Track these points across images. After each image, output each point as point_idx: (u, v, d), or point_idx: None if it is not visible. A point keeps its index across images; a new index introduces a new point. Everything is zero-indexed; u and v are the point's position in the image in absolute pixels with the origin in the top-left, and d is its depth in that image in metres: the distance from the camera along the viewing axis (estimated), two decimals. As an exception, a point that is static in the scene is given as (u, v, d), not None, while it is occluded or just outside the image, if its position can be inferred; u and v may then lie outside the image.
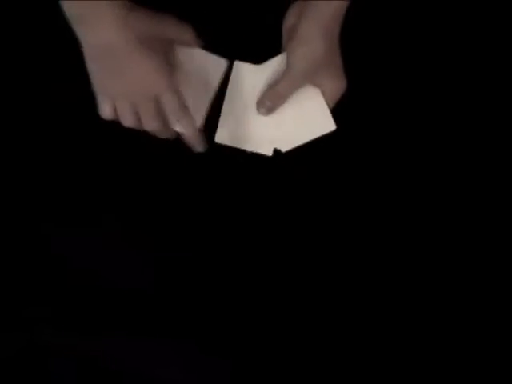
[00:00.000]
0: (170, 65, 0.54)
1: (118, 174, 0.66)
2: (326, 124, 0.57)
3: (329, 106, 0.57)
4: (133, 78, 0.52)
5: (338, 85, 0.56)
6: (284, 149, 0.59)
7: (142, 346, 0.65)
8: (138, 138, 0.58)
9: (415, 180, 0.66)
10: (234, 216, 0.66)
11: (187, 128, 0.56)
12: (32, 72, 0.67)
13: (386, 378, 0.65)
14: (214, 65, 0.58)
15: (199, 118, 0.58)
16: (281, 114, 0.58)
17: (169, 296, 0.66)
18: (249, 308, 0.66)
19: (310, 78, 0.55)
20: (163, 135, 0.57)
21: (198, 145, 0.57)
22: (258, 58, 0.58)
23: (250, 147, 0.59)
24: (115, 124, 0.56)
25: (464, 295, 0.66)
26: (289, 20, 0.55)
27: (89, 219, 0.67)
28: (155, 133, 0.57)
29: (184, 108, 0.55)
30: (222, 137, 0.59)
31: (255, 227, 0.66)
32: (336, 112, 0.58)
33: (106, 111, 0.55)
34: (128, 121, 0.55)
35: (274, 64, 0.57)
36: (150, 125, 0.55)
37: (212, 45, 0.58)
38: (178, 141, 0.59)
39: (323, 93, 0.57)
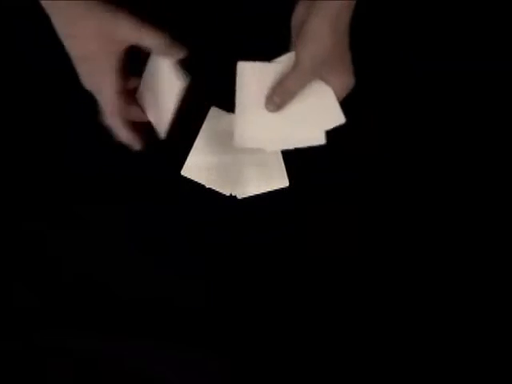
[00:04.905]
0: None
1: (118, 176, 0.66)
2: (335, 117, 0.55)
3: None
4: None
5: (345, 81, 0.55)
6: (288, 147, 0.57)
7: (141, 346, 0.65)
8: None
9: (421, 183, 0.67)
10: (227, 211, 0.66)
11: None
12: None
13: (386, 377, 0.66)
14: (171, 83, 0.54)
15: (161, 130, 0.57)
16: (294, 112, 0.56)
17: (168, 296, 0.66)
18: (248, 307, 0.66)
19: (318, 73, 0.54)
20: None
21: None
22: (266, 56, 0.56)
23: (271, 147, 0.57)
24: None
25: (464, 297, 0.66)
26: (297, 17, 0.54)
27: (86, 219, 0.66)
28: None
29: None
30: (240, 141, 0.55)
31: (255, 236, 0.66)
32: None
33: None
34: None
35: (282, 62, 0.55)
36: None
37: (219, 43, 0.57)
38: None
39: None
